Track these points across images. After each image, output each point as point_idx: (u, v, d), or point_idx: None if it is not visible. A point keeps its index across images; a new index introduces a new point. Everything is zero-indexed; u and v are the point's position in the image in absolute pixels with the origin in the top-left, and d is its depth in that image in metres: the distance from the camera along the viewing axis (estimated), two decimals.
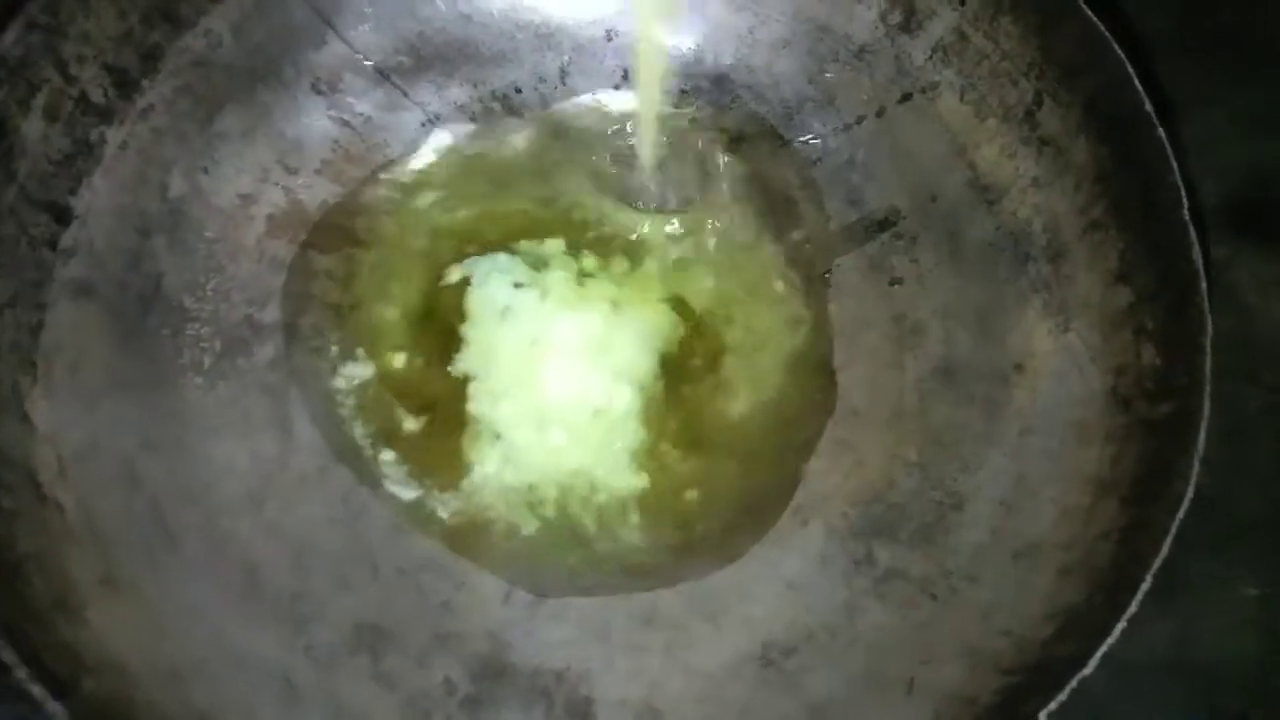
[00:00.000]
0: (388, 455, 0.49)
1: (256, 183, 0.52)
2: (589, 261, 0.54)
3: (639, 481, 0.49)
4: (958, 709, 0.39)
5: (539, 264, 0.53)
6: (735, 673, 0.44)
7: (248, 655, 0.41)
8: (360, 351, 0.51)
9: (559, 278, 0.53)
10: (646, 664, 0.45)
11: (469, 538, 0.48)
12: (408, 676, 0.44)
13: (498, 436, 0.49)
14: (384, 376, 0.51)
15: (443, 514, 0.49)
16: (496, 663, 0.45)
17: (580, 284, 0.53)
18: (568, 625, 0.46)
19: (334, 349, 0.51)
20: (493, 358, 0.51)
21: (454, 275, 0.53)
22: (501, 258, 0.52)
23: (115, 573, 0.41)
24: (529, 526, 0.49)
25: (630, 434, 0.50)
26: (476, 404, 0.50)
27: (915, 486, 0.48)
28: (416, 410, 0.50)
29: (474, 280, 0.52)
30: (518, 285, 0.52)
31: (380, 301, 0.53)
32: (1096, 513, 0.42)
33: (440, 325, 0.52)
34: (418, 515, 0.48)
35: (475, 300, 0.52)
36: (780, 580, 0.47)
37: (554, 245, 0.54)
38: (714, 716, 0.43)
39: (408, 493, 0.48)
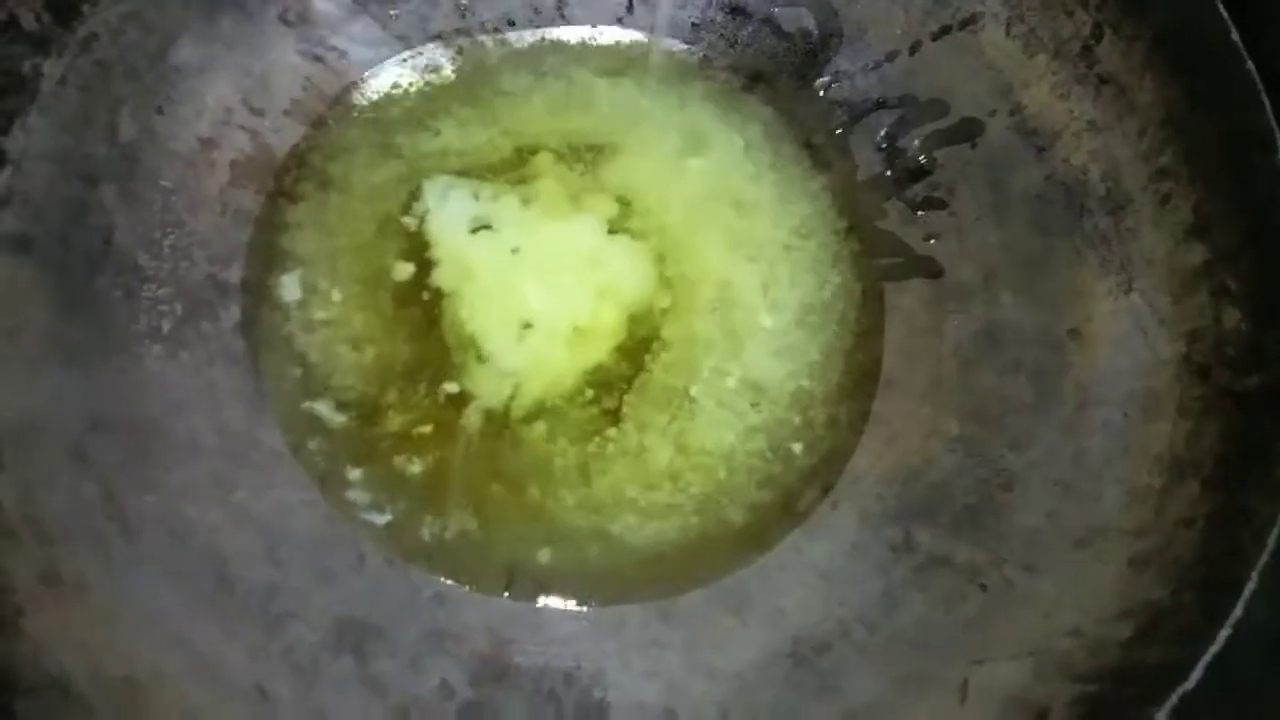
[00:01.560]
0: (369, 431, 0.44)
1: (218, 125, 0.47)
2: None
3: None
4: None
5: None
6: (763, 673, 0.40)
7: (215, 661, 0.37)
8: (337, 314, 0.46)
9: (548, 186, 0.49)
10: (665, 663, 0.41)
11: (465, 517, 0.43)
12: (399, 681, 0.39)
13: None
14: (363, 339, 0.45)
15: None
16: (498, 663, 0.40)
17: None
18: (577, 619, 0.42)
19: (310, 313, 0.46)
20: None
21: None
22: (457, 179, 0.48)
23: (59, 570, 0.35)
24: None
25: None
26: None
27: (958, 464, 0.44)
28: (404, 377, 0.45)
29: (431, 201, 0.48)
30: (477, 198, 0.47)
31: (360, 257, 0.47)
32: (1172, 496, 0.37)
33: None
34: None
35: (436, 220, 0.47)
36: (810, 569, 0.43)
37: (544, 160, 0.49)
38: None
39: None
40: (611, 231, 0.48)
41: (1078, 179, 0.46)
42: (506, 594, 0.42)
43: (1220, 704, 0.30)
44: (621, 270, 0.47)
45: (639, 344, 0.46)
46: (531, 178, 0.49)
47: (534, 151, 0.49)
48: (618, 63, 0.52)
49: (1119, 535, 0.38)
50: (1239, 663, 0.29)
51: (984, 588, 0.40)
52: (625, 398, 0.45)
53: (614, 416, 0.45)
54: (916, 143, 0.50)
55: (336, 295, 0.47)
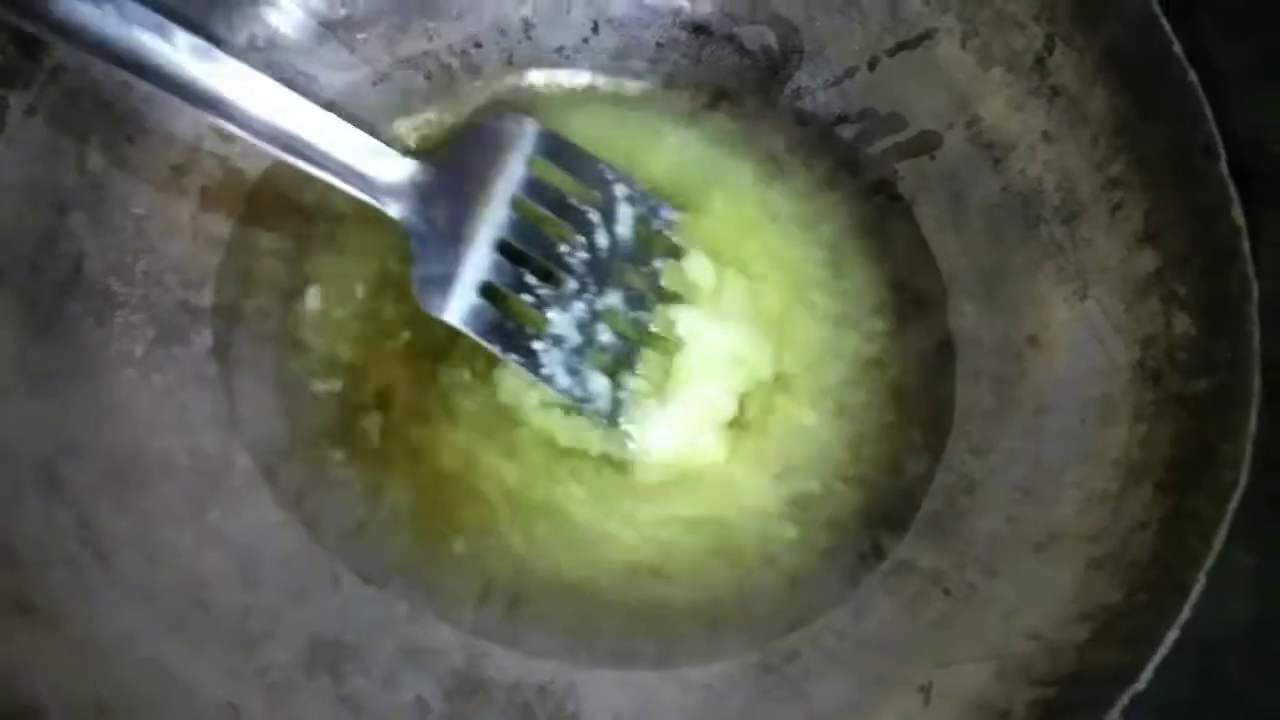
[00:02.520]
0: (341, 453, 0.44)
1: (189, 152, 0.47)
2: None
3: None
4: None
5: None
6: (734, 681, 0.41)
7: (189, 684, 0.37)
8: (312, 338, 0.46)
9: None
10: (637, 675, 0.41)
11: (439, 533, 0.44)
12: (374, 698, 0.39)
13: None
14: (339, 362, 0.46)
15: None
16: (472, 678, 0.41)
17: None
18: (550, 632, 0.42)
19: (282, 335, 0.46)
20: None
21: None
22: None
23: (31, 597, 0.36)
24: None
25: None
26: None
27: (923, 471, 0.44)
28: (376, 401, 0.46)
29: None
30: None
31: (334, 282, 0.47)
32: (1128, 500, 0.38)
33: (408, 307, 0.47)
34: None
35: None
36: (780, 576, 0.43)
37: None
38: None
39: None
40: None
41: (1033, 189, 0.46)
42: (480, 610, 0.43)
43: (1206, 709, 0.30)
44: None
45: None
46: None
47: None
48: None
49: (1077, 539, 0.39)
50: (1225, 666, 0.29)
51: (947, 592, 0.41)
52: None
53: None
54: (878, 155, 0.50)
55: (313, 320, 0.47)
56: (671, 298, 0.46)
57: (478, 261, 0.44)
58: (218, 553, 0.41)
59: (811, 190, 0.51)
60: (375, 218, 0.48)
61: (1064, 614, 0.36)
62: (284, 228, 0.48)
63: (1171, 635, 0.32)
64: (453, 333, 0.44)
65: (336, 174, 0.43)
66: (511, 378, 0.45)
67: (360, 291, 0.48)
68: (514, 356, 0.43)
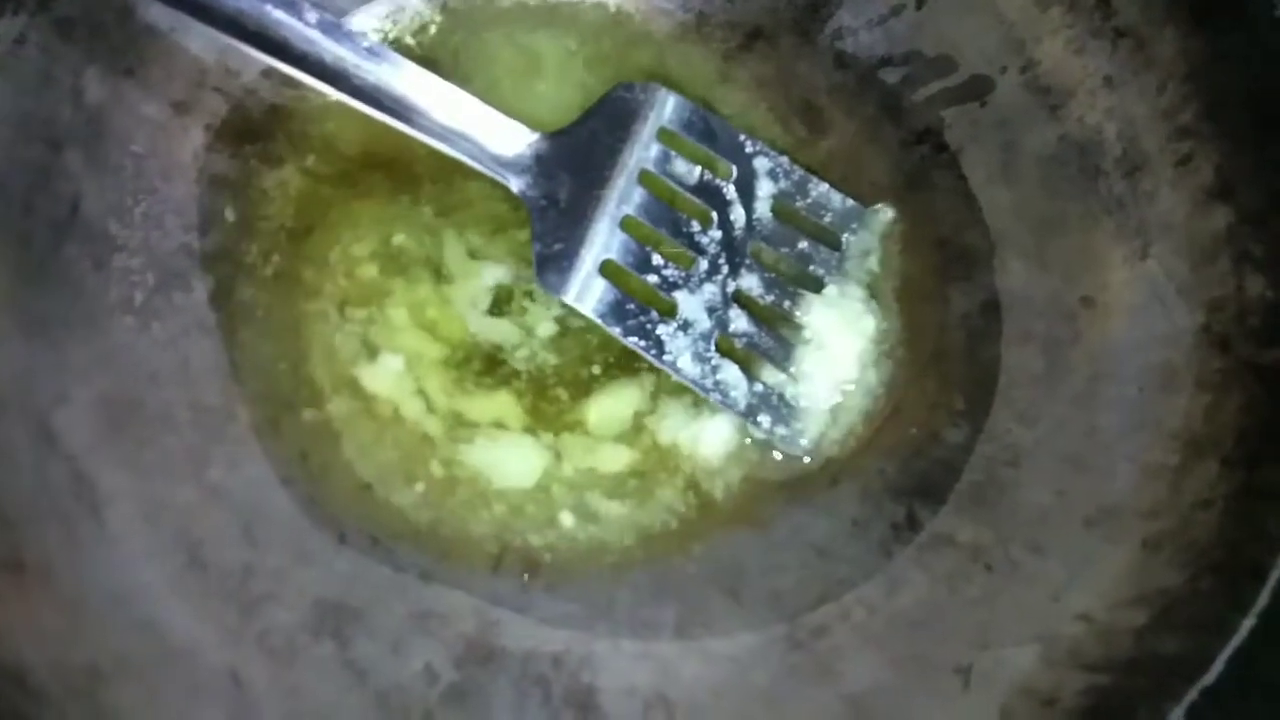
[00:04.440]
0: (350, 407, 0.42)
1: (192, 87, 0.44)
2: None
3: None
4: (1033, 709, 0.33)
5: None
6: (759, 656, 0.39)
7: (187, 648, 0.35)
8: (321, 283, 0.44)
9: None
10: (657, 646, 0.39)
11: (450, 495, 0.42)
12: (381, 665, 0.38)
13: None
14: (348, 310, 0.44)
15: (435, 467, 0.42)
16: (484, 645, 0.39)
17: None
18: (566, 599, 0.40)
19: (287, 281, 0.44)
20: None
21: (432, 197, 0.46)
22: None
23: (22, 555, 0.34)
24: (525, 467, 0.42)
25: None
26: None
27: (963, 440, 0.42)
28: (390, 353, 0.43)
29: None
30: None
31: (345, 225, 0.45)
32: (1189, 475, 0.35)
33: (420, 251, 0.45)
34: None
35: None
36: (808, 546, 0.41)
37: None
38: (736, 709, 0.37)
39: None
40: None
41: (1092, 139, 0.43)
42: (492, 571, 0.41)
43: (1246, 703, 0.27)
44: None
45: None
46: None
47: None
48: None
49: (1131, 515, 0.36)
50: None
51: (989, 568, 0.39)
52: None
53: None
54: (923, 101, 0.47)
55: (320, 265, 0.45)
56: (808, 283, 0.44)
57: (601, 239, 0.42)
58: (219, 510, 0.39)
59: (851, 139, 0.48)
60: (392, 157, 0.46)
61: (1118, 595, 0.34)
62: (292, 168, 0.46)
63: (1247, 624, 0.29)
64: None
65: (455, 145, 0.41)
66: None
67: (373, 234, 0.45)
68: (636, 340, 0.41)
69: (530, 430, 0.43)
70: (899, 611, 0.39)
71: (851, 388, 0.43)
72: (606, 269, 0.42)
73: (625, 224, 0.42)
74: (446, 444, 0.43)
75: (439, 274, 0.45)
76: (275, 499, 0.40)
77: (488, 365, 0.44)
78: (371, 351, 0.43)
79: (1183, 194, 0.40)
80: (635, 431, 0.43)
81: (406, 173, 0.46)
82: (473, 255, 0.45)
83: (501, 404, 0.43)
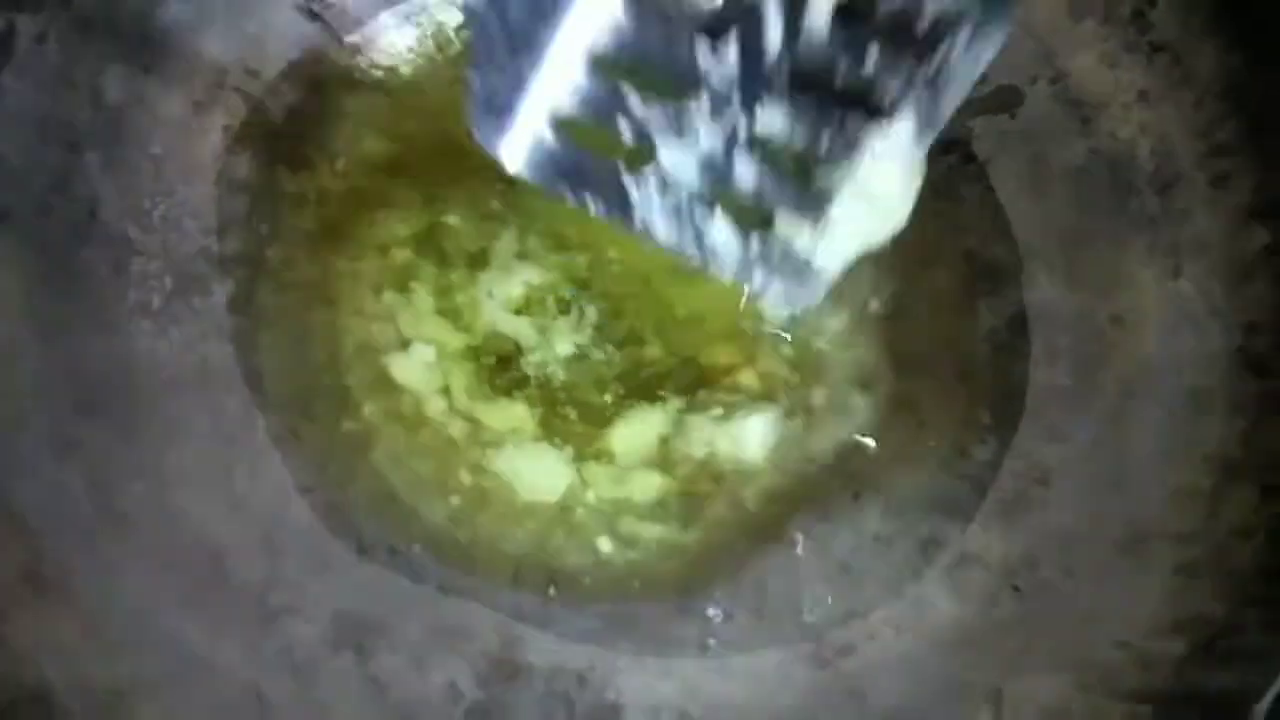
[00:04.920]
0: (372, 413, 0.42)
1: (211, 88, 0.44)
2: None
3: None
4: None
5: None
6: (785, 675, 0.38)
7: (210, 664, 0.35)
8: (343, 288, 0.43)
9: None
10: (681, 664, 0.38)
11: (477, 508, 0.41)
12: (402, 680, 0.37)
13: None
14: (369, 315, 0.43)
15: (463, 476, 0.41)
16: (508, 662, 0.38)
17: None
18: (590, 615, 0.40)
19: (307, 286, 0.43)
20: None
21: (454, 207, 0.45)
22: None
23: (42, 568, 0.33)
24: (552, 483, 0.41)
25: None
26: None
27: (990, 456, 0.41)
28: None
29: None
30: None
31: (366, 228, 0.44)
32: (1225, 501, 0.35)
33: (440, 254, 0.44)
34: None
35: None
36: (832, 563, 0.41)
37: None
38: None
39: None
40: None
41: (1125, 154, 0.43)
42: (515, 586, 0.40)
43: None
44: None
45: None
46: None
47: None
48: None
49: (1165, 540, 0.36)
50: None
51: (1018, 589, 0.38)
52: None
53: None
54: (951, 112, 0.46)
55: (342, 270, 0.44)
56: (869, 106, 0.29)
57: (558, 75, 0.30)
58: (239, 520, 0.39)
59: None
60: (413, 164, 0.46)
61: (1155, 623, 0.33)
62: (314, 171, 0.45)
63: None
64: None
65: None
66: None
67: (397, 242, 0.44)
68: (593, 202, 0.32)
69: (547, 439, 0.42)
70: (927, 632, 0.38)
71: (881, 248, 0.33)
72: (559, 118, 0.31)
73: (594, 61, 0.30)
74: (472, 449, 0.42)
75: (476, 260, 0.44)
76: (296, 508, 0.40)
77: (502, 364, 0.43)
78: (402, 342, 0.43)
79: (1218, 213, 0.40)
80: (663, 456, 0.42)
81: (433, 179, 0.46)
82: (520, 257, 0.44)
83: (516, 413, 0.43)
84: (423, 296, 0.44)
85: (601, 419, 0.42)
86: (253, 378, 0.41)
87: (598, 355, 0.43)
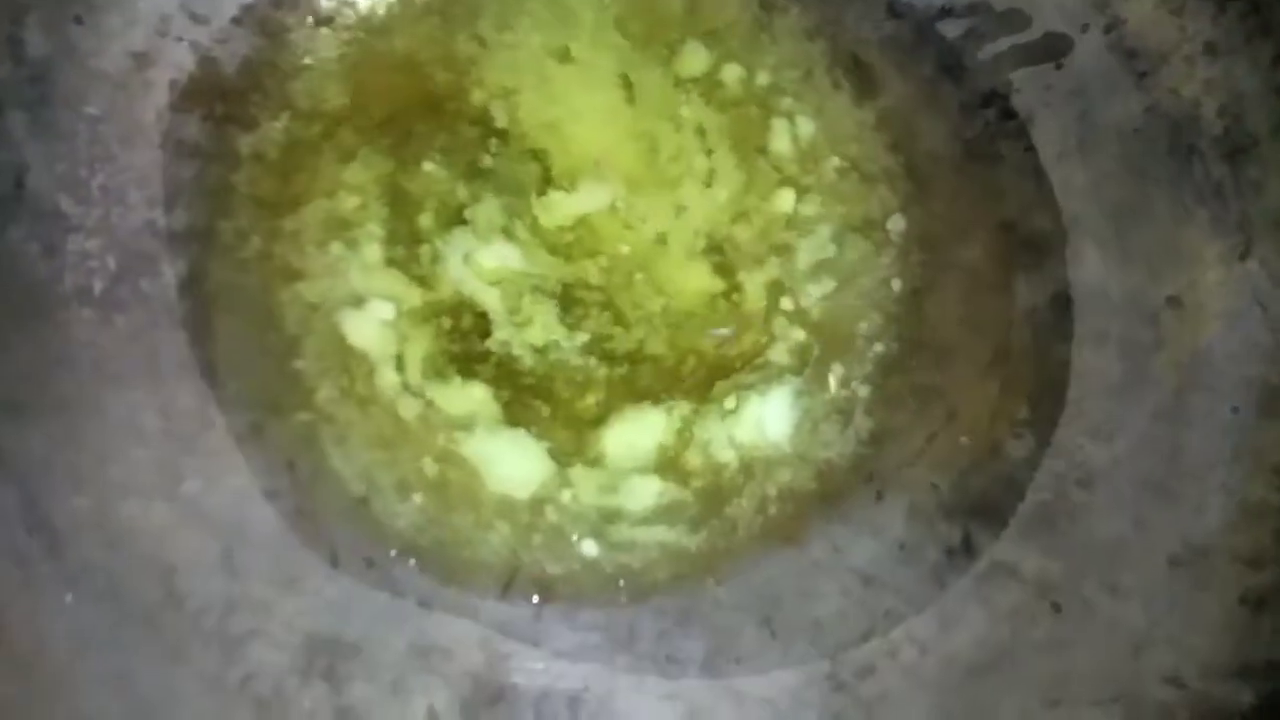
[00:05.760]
0: (345, 407, 0.38)
1: (154, 36, 0.40)
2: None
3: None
4: None
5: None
6: (799, 699, 0.35)
7: (163, 700, 0.32)
8: (305, 264, 0.39)
9: None
10: (685, 684, 0.35)
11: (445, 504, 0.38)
12: (378, 710, 0.34)
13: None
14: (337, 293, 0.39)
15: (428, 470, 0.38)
16: (493, 684, 0.36)
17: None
18: (584, 628, 0.37)
19: (266, 262, 0.39)
20: None
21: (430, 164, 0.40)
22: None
23: None
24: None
25: None
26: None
27: (1028, 454, 0.38)
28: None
29: None
30: None
31: (329, 194, 0.40)
32: None
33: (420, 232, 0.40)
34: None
35: None
36: (850, 571, 0.37)
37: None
38: None
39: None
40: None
41: (1187, 114, 0.39)
42: (501, 596, 0.37)
43: None
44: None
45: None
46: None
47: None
48: None
49: (1227, 560, 0.33)
50: None
51: (1057, 608, 0.35)
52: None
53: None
54: (989, 61, 0.42)
55: (303, 242, 0.40)
56: None
57: None
58: (195, 532, 0.36)
59: (904, 101, 0.42)
60: (382, 116, 0.41)
61: (1216, 661, 0.30)
62: (269, 129, 0.40)
63: None
64: None
65: None
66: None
67: (362, 206, 0.40)
68: None
69: (521, 427, 0.38)
70: (954, 653, 0.35)
71: None
72: None
73: None
74: (437, 434, 0.38)
75: (451, 217, 0.40)
76: (258, 517, 0.36)
77: (461, 334, 0.39)
78: (355, 299, 0.39)
79: None
80: (664, 459, 0.38)
81: (406, 132, 0.41)
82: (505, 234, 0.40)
83: (473, 395, 0.39)
84: (371, 247, 0.39)
85: (586, 420, 0.38)
86: (208, 369, 0.37)
87: (578, 354, 0.39)
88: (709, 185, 0.41)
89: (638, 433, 0.38)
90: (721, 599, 0.38)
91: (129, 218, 0.38)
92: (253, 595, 0.35)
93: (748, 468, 0.39)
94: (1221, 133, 0.37)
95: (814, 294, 0.40)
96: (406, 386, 0.38)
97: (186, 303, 0.38)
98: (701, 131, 0.41)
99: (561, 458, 0.38)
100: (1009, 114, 0.42)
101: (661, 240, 0.40)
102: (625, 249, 0.40)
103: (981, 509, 0.38)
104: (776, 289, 0.40)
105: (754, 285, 0.40)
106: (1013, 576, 0.36)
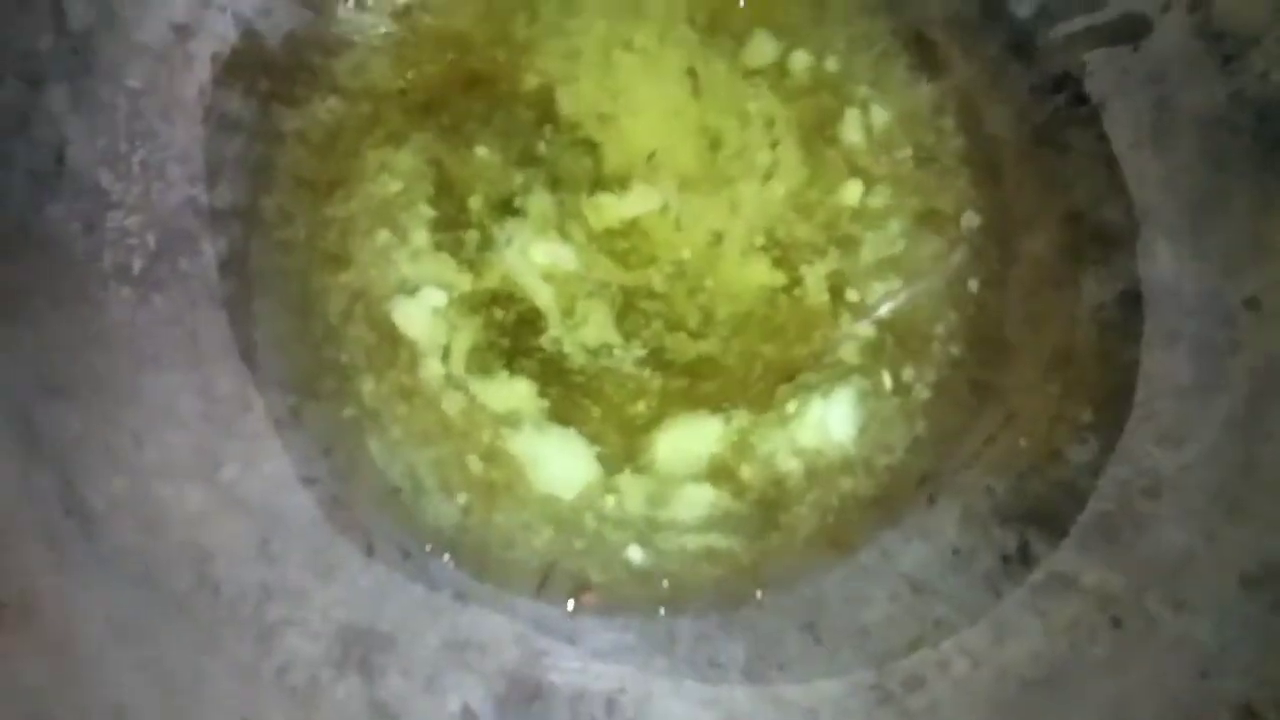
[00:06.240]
0: (387, 398, 0.37)
1: (196, 7, 0.39)
2: None
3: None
4: None
5: None
6: (842, 710, 0.34)
7: (195, 688, 0.31)
8: (354, 252, 0.39)
9: None
10: (725, 690, 0.34)
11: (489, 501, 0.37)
12: (413, 705, 0.34)
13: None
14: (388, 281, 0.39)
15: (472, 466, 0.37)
16: (529, 682, 0.35)
17: None
18: (621, 629, 0.36)
19: (309, 242, 0.39)
20: None
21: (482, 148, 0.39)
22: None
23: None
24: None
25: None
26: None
27: (1090, 459, 0.37)
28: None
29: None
30: None
31: (380, 182, 0.40)
32: None
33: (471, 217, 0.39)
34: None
35: None
36: (900, 579, 0.36)
37: None
38: None
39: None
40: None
41: (1276, 101, 0.36)
42: (538, 592, 0.36)
43: None
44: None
45: None
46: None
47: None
48: None
49: None
50: None
51: (1117, 623, 0.33)
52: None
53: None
54: (1061, 41, 0.39)
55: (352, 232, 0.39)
56: None
57: None
58: (231, 518, 0.35)
59: (969, 82, 0.40)
60: (432, 101, 0.40)
61: None
62: (316, 108, 0.39)
63: None
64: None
65: None
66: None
67: (415, 199, 0.39)
68: None
69: (570, 425, 0.37)
70: (1009, 666, 0.34)
71: None
72: None
73: None
74: (483, 430, 0.37)
75: (504, 205, 0.39)
76: (296, 503, 0.36)
77: (512, 324, 0.38)
78: (409, 287, 0.38)
79: None
80: (717, 468, 0.37)
81: (459, 124, 0.40)
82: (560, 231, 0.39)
83: (517, 391, 0.38)
84: (419, 231, 0.39)
85: (638, 424, 0.37)
86: (248, 351, 0.37)
87: (632, 364, 0.38)
88: (768, 179, 0.39)
89: (691, 440, 0.37)
90: (765, 603, 0.36)
91: (169, 194, 0.37)
92: (288, 583, 0.34)
93: (812, 474, 0.37)
94: None
95: (879, 290, 0.39)
96: (450, 379, 0.38)
97: (227, 283, 0.38)
98: (770, 124, 0.40)
99: (610, 463, 0.37)
100: (1081, 99, 0.39)
101: (716, 240, 0.39)
102: (686, 254, 0.38)
103: (1040, 516, 0.36)
104: (840, 281, 0.39)
105: (815, 279, 0.39)
106: (1072, 588, 0.34)
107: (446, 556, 0.36)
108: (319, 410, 0.37)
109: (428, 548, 0.36)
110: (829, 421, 0.37)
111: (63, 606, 0.30)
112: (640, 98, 0.40)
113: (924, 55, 0.41)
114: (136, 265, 0.36)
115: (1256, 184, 0.36)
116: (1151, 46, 0.38)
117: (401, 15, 0.41)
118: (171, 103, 0.38)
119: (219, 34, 0.39)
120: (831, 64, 0.41)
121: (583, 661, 0.35)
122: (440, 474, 0.37)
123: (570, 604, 0.36)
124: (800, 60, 0.40)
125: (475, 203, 0.39)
